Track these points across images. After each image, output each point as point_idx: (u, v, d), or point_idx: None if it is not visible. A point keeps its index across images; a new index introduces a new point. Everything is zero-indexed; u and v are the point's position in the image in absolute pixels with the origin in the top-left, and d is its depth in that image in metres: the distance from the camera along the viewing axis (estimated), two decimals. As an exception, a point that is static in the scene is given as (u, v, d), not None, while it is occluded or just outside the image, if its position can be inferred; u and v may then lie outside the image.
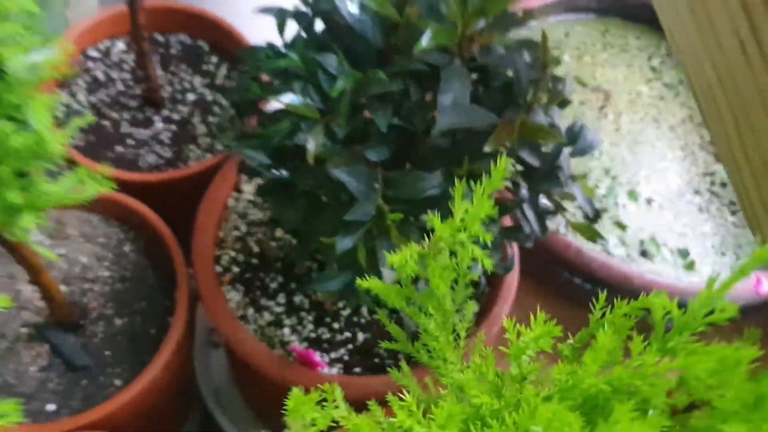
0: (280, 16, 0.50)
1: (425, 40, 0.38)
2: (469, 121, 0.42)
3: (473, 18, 0.41)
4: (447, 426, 0.20)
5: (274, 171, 0.45)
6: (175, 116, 0.79)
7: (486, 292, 0.69)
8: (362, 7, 0.43)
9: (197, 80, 0.83)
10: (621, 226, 1.03)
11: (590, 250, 0.95)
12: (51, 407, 0.62)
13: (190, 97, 0.81)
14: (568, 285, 0.99)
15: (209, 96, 0.82)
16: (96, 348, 0.65)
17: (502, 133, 0.40)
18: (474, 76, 0.47)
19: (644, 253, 1.01)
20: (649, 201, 1.07)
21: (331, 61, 0.43)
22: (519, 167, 0.51)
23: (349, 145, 0.44)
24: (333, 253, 0.43)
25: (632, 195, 1.08)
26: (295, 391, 0.28)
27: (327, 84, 0.43)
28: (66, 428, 0.58)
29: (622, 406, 0.20)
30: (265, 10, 0.51)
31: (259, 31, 0.83)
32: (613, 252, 1.01)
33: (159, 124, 0.79)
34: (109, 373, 0.64)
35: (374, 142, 0.44)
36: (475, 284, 0.49)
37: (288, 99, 0.42)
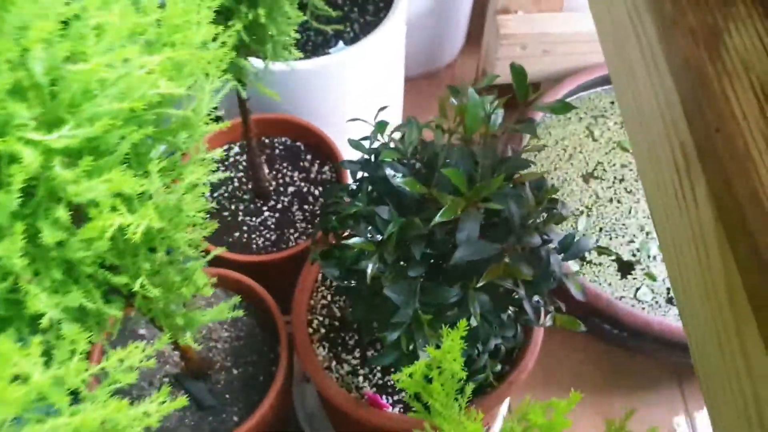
0: (352, 168, 0.72)
1: (438, 217, 0.58)
2: (477, 253, 0.62)
3: (478, 193, 0.60)
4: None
5: (344, 282, 0.67)
6: (279, 206, 1.03)
7: (517, 348, 0.88)
8: (404, 176, 0.63)
9: (296, 175, 1.06)
10: (651, 277, 1.19)
11: (618, 300, 1.12)
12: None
13: (290, 189, 1.05)
14: (598, 329, 1.16)
15: (305, 188, 1.05)
16: (219, 392, 0.89)
17: (491, 272, 0.60)
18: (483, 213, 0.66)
19: (670, 300, 1.16)
20: (679, 258, 1.21)
21: (383, 211, 0.64)
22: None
23: (395, 266, 0.65)
24: (385, 341, 0.64)
25: (666, 251, 1.22)
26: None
27: (382, 226, 0.65)
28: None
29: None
30: (345, 163, 0.72)
31: (339, 132, 1.06)
32: (642, 299, 1.16)
33: (266, 213, 1.02)
34: (229, 411, 0.87)
35: (413, 264, 0.65)
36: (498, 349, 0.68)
37: (355, 240, 0.63)
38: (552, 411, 0.45)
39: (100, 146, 0.41)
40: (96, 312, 0.48)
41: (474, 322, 0.66)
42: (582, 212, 1.27)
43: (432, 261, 0.66)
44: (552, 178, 1.31)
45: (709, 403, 0.51)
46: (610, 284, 1.18)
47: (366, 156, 0.73)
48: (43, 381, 0.33)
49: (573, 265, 1.19)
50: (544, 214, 0.72)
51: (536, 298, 0.68)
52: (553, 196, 0.72)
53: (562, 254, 0.71)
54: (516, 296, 0.67)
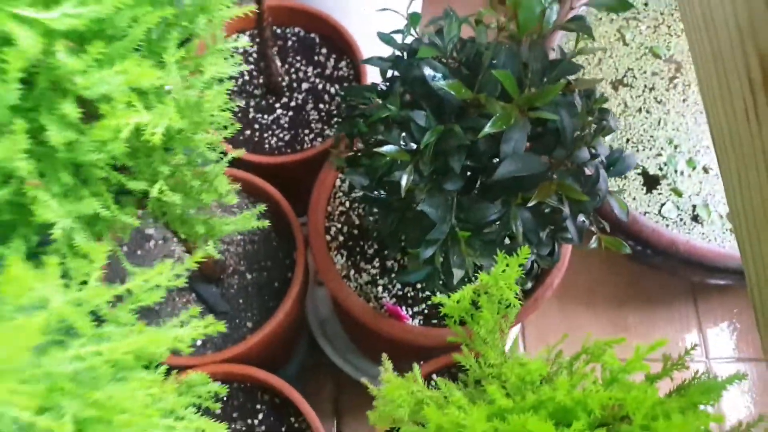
0: (382, 66, 0.64)
1: (488, 127, 0.52)
2: (524, 168, 0.56)
3: (530, 101, 0.54)
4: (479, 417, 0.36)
5: (373, 192, 0.62)
6: (292, 103, 0.96)
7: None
8: (444, 78, 0.57)
9: (310, 70, 0.98)
10: (677, 193, 1.14)
11: (644, 216, 1.07)
12: (198, 343, 0.83)
13: (304, 86, 0.97)
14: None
15: (320, 85, 0.97)
16: (232, 297, 0.85)
17: (543, 190, 0.54)
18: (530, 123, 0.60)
19: (696, 218, 1.12)
20: (706, 169, 1.16)
21: (420, 117, 0.58)
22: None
23: (432, 178, 0.60)
24: (417, 257, 0.60)
25: (690, 163, 1.17)
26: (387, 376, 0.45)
27: (418, 134, 0.58)
28: (212, 360, 0.78)
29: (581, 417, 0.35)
30: (373, 60, 0.65)
31: (359, 26, 0.97)
32: (667, 216, 1.12)
33: (279, 111, 0.95)
34: (242, 317, 0.84)
35: (451, 177, 0.59)
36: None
37: (388, 149, 0.57)
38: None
39: (109, 30, 0.35)
40: (110, 219, 0.42)
41: (519, 242, 0.61)
42: (609, 121, 1.20)
43: (470, 174, 0.61)
44: (580, 84, 1.23)
45: (764, 332, 0.47)
46: (634, 198, 1.13)
47: (398, 52, 0.66)
48: (60, 308, 0.28)
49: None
50: (594, 126, 0.65)
51: (581, 217, 0.63)
52: (604, 105, 0.66)
53: (608, 170, 0.66)
54: (559, 213, 0.62)
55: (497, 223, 0.60)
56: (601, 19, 1.30)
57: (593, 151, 0.64)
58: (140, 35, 0.35)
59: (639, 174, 1.16)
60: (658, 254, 1.09)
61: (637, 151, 1.18)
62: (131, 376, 0.32)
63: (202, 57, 0.47)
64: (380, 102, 0.62)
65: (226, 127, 0.50)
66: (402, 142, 0.59)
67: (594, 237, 0.63)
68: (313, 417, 0.76)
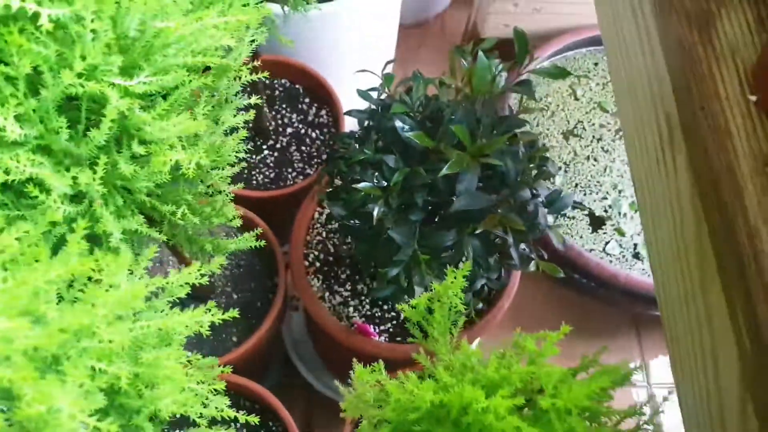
0: (360, 117, 0.77)
1: (445, 170, 0.65)
2: (474, 204, 0.69)
3: (481, 149, 0.67)
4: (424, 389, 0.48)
5: (349, 221, 0.74)
6: (278, 145, 1.08)
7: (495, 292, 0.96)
8: (411, 129, 0.70)
9: (294, 117, 1.11)
10: (620, 232, 1.28)
11: (589, 252, 1.21)
12: (188, 354, 0.92)
13: (289, 130, 1.10)
14: (570, 279, 1.26)
15: (303, 130, 1.10)
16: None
17: (487, 222, 0.67)
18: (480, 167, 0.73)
19: (636, 255, 1.26)
20: (645, 217, 1.30)
21: (390, 160, 0.71)
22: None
23: (399, 210, 0.72)
24: (385, 276, 0.72)
25: (633, 206, 1.32)
26: (358, 366, 0.57)
27: (388, 173, 0.71)
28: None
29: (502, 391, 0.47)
30: (353, 112, 0.78)
31: (338, 80, 1.10)
32: (610, 252, 1.26)
33: (266, 151, 1.08)
34: (228, 332, 0.94)
35: (415, 209, 0.72)
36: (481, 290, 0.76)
37: (363, 185, 0.70)
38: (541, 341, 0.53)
39: (167, 92, 0.47)
40: (145, 235, 0.54)
41: (469, 265, 0.74)
42: (560, 168, 1.35)
43: (431, 208, 0.73)
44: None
45: (672, 351, 0.59)
46: (581, 237, 1.27)
47: (374, 106, 0.79)
48: (127, 290, 0.39)
49: (548, 218, 1.28)
50: (535, 171, 0.79)
51: (522, 246, 0.76)
52: (544, 154, 0.80)
53: (548, 208, 0.79)
54: (505, 243, 0.74)
55: (452, 249, 0.72)
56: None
57: (534, 191, 0.77)
58: (186, 95, 0.47)
59: (586, 215, 1.30)
60: (601, 286, 1.22)
61: (585, 194, 1.33)
62: (165, 349, 0.43)
63: (221, 110, 0.59)
64: (357, 147, 0.75)
65: (233, 165, 0.62)
66: (375, 180, 0.72)
67: (533, 262, 0.75)
68: (289, 421, 0.87)
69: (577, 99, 1.43)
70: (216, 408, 0.50)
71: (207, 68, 0.55)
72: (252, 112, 0.58)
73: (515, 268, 0.81)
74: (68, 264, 0.34)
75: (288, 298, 1.07)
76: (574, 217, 1.29)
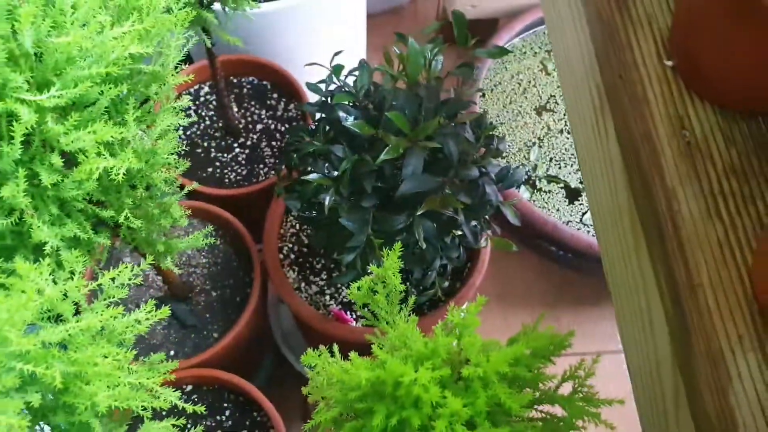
0: (311, 110, 0.79)
1: (383, 155, 0.66)
2: (421, 186, 0.71)
3: (420, 133, 0.69)
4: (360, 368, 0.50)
5: (305, 213, 0.76)
6: (248, 143, 1.10)
7: (467, 267, 0.98)
8: (355, 119, 0.71)
9: (263, 113, 1.13)
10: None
11: (565, 225, 1.22)
12: (172, 352, 0.96)
13: (259, 126, 1.12)
14: (546, 251, 1.27)
15: (272, 125, 1.12)
16: (200, 312, 0.98)
17: (430, 202, 0.69)
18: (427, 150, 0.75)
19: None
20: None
21: (338, 150, 0.72)
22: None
23: (350, 198, 0.74)
24: (343, 262, 0.74)
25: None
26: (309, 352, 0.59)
27: (337, 163, 0.73)
28: (184, 365, 0.91)
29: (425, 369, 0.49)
30: (306, 106, 0.80)
31: (303, 72, 1.12)
32: (587, 223, 1.27)
33: (237, 149, 1.10)
34: (209, 329, 0.97)
35: (365, 196, 0.73)
36: (450, 266, 0.78)
37: (313, 176, 0.71)
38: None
39: (83, 102, 0.49)
40: (87, 241, 0.56)
41: (422, 245, 0.76)
42: (534, 143, 1.36)
43: (382, 193, 0.75)
44: (507, 111, 1.39)
45: (617, 310, 0.60)
46: (558, 209, 1.28)
47: (323, 98, 0.81)
48: (53, 294, 0.41)
49: (524, 193, 1.29)
50: (483, 150, 0.80)
51: (474, 222, 0.78)
52: (492, 132, 0.81)
53: (499, 184, 0.81)
54: (456, 222, 0.76)
55: (405, 231, 0.74)
56: (525, 53, 1.46)
57: (483, 169, 0.78)
58: (105, 104, 0.49)
59: (561, 188, 1.31)
60: (578, 257, 1.23)
61: (560, 168, 1.33)
62: (102, 346, 0.46)
63: (156, 114, 0.61)
64: (308, 139, 0.77)
65: (177, 167, 0.64)
66: (326, 171, 0.73)
67: (484, 238, 0.77)
68: (272, 410, 0.89)
69: (548, 74, 1.44)
70: (165, 401, 0.52)
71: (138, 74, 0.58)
72: (182, 114, 0.59)
73: (470, 246, 0.82)
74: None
75: (266, 289, 1.09)
76: (550, 191, 1.30)
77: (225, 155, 1.09)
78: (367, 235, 0.73)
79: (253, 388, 0.90)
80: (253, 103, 1.14)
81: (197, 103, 1.14)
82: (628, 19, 0.57)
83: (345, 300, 0.99)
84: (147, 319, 0.49)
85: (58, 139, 0.45)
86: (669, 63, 0.54)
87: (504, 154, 1.33)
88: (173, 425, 0.60)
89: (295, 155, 0.78)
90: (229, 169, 1.08)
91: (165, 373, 0.56)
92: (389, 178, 0.73)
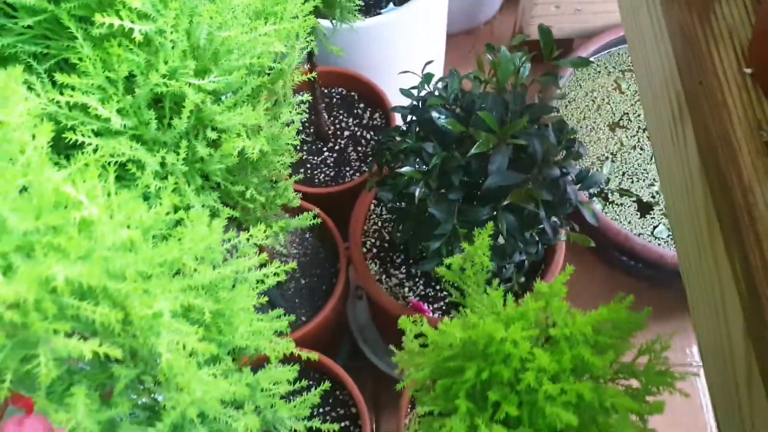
0: (403, 112, 0.87)
1: (474, 149, 0.73)
2: (505, 180, 0.77)
3: (507, 131, 0.75)
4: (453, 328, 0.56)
5: (396, 204, 0.83)
6: (336, 147, 1.19)
7: (542, 265, 1.03)
8: (446, 118, 0.79)
9: (351, 121, 1.22)
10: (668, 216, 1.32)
11: (636, 236, 1.26)
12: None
13: (346, 133, 1.21)
14: (617, 260, 1.30)
15: (358, 132, 1.21)
16: (290, 297, 1.07)
17: (516, 194, 0.75)
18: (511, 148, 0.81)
19: (689, 242, 1.29)
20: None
21: (429, 147, 0.80)
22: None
23: (438, 191, 0.81)
24: (429, 250, 0.81)
25: (685, 195, 1.35)
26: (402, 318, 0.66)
27: (427, 159, 0.80)
28: (279, 342, 1.00)
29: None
30: (397, 108, 0.88)
31: (388, 84, 1.20)
32: (658, 236, 1.30)
33: (326, 153, 1.19)
34: (298, 313, 1.05)
35: (453, 189, 0.81)
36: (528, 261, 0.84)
37: (405, 169, 0.79)
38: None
39: (230, 89, 0.58)
40: (217, 211, 0.65)
41: (502, 240, 0.82)
42: (607, 158, 1.40)
43: (468, 188, 0.82)
44: (581, 127, 1.44)
45: (691, 299, 0.65)
46: (629, 222, 1.32)
47: (414, 102, 0.88)
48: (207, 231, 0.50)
49: (597, 204, 1.33)
50: (564, 152, 0.86)
51: (554, 219, 0.84)
52: (573, 137, 0.87)
53: (579, 185, 0.86)
54: (537, 217, 0.82)
55: (488, 223, 0.80)
56: (599, 72, 1.52)
57: (564, 170, 0.84)
58: (247, 93, 0.58)
59: (633, 201, 1.35)
60: (650, 267, 1.27)
61: (632, 182, 1.37)
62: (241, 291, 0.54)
63: (278, 107, 0.70)
64: (400, 138, 0.85)
65: (292, 156, 0.73)
66: (416, 165, 0.81)
67: (563, 232, 0.83)
68: (354, 389, 0.96)
69: (622, 92, 1.48)
70: (284, 351, 0.60)
71: (267, 73, 0.67)
72: (304, 108, 0.68)
73: (549, 242, 0.88)
74: (160, 215, 0.45)
75: (349, 282, 1.17)
76: (622, 204, 1.34)
77: (315, 158, 1.19)
78: (453, 224, 0.80)
79: (338, 368, 0.97)
80: (341, 111, 1.23)
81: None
82: (710, 32, 0.62)
83: (422, 293, 1.06)
84: (275, 274, 0.57)
85: (213, 118, 0.54)
86: (748, 71, 0.59)
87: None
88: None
89: (387, 153, 0.86)
90: (319, 170, 1.17)
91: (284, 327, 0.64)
92: (475, 173, 0.80)
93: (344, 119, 1.22)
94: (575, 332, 0.53)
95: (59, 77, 0.47)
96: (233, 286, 0.55)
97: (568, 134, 0.87)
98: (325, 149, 1.19)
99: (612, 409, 0.53)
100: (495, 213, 0.80)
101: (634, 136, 1.43)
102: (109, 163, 0.51)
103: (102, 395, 0.50)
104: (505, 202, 0.74)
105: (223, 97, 0.57)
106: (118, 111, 0.51)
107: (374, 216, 1.11)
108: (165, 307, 0.40)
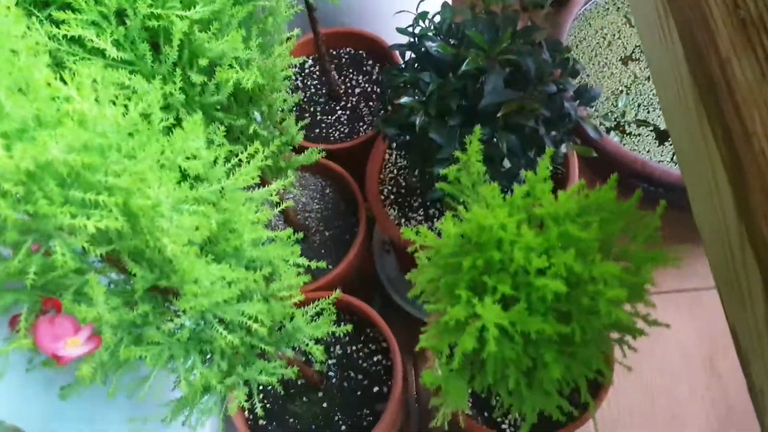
0: (401, 49, 0.90)
1: (464, 66, 0.76)
2: (500, 98, 0.80)
3: (495, 48, 0.78)
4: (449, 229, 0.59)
5: (400, 136, 0.86)
6: (349, 105, 1.23)
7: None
8: (439, 46, 0.81)
9: (361, 78, 1.25)
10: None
11: (653, 161, 1.26)
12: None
13: (357, 90, 1.24)
14: (635, 187, 1.30)
15: (369, 88, 1.24)
16: (315, 248, 1.11)
17: (508, 105, 0.77)
18: (508, 68, 0.83)
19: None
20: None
21: (425, 76, 0.83)
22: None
23: (438, 118, 0.84)
24: (434, 176, 0.84)
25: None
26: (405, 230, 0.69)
27: (425, 88, 0.83)
28: (305, 289, 1.04)
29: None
30: (395, 46, 0.91)
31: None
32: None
33: (339, 112, 1.23)
34: (324, 261, 1.09)
35: (452, 115, 0.83)
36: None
37: (404, 100, 0.82)
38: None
39: (220, 20, 0.62)
40: (221, 144, 0.69)
41: (508, 165, 0.84)
42: (621, 91, 1.40)
43: (467, 112, 0.84)
44: (593, 64, 1.44)
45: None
46: (648, 151, 1.32)
47: (411, 39, 0.91)
48: (207, 157, 0.54)
49: (614, 137, 1.34)
50: (560, 72, 0.88)
51: (554, 133, 0.85)
52: (567, 55, 0.88)
53: (578, 101, 0.88)
54: (538, 134, 0.84)
55: (490, 144, 0.83)
56: (608, 9, 1.51)
57: (561, 87, 0.86)
58: (236, 23, 0.62)
59: (651, 131, 1.35)
60: (669, 190, 1.26)
61: (648, 112, 1.37)
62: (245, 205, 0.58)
63: (272, 46, 0.74)
64: (399, 73, 0.88)
65: (292, 97, 0.76)
66: (416, 97, 0.84)
67: (566, 144, 0.84)
68: (385, 328, 1.00)
69: (632, 26, 1.47)
70: (297, 265, 0.64)
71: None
72: (293, 41, 0.72)
73: (556, 159, 0.90)
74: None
75: (372, 231, 1.21)
76: (639, 134, 1.34)
77: (329, 117, 1.22)
78: (455, 149, 0.83)
79: (367, 307, 1.01)
80: (351, 70, 1.27)
81: (303, 74, 1.28)
82: None
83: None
84: (276, 191, 0.61)
85: (203, 46, 0.58)
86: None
87: (593, 103, 1.38)
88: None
89: (389, 90, 0.89)
90: (333, 128, 1.21)
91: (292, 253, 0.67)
92: (472, 97, 0.83)
93: (354, 77, 1.26)
94: (560, 211, 0.55)
95: (56, 14, 0.52)
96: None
97: (562, 52, 0.88)
98: (338, 108, 1.23)
99: (602, 280, 0.55)
100: (495, 134, 0.82)
101: (647, 67, 1.42)
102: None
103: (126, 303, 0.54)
104: (500, 114, 0.77)
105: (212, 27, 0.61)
106: (114, 43, 0.55)
107: (389, 165, 1.14)
108: (163, 196, 0.45)
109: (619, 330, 0.64)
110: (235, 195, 0.57)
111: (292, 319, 0.67)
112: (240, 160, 0.61)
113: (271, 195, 0.62)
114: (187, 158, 0.49)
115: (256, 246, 0.58)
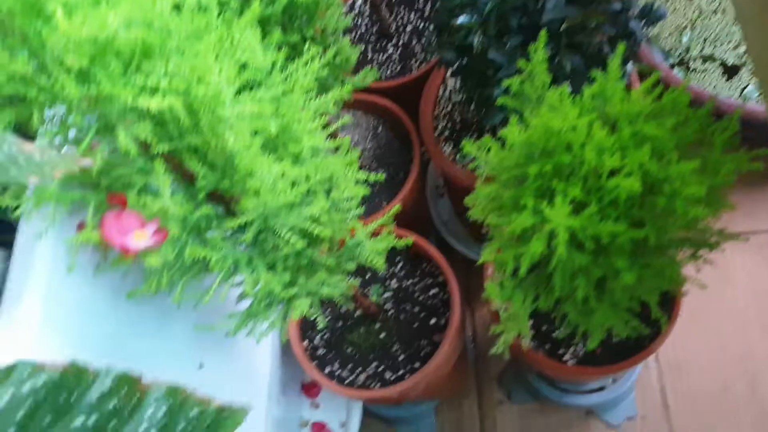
0: (455, -30, 0.87)
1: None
2: (562, 14, 0.76)
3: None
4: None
5: (458, 60, 0.84)
6: (400, 42, 1.20)
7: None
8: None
9: (412, 15, 1.22)
10: (762, 80, 1.24)
11: (726, 98, 1.20)
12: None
13: (408, 27, 1.21)
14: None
15: (420, 25, 1.21)
16: (370, 187, 1.10)
17: (571, 19, 0.74)
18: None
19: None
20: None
21: (483, -7, 0.80)
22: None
23: (497, 38, 0.81)
24: (492, 99, 0.81)
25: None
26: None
27: (482, 6, 0.80)
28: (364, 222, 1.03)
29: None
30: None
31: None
32: (748, 96, 1.23)
33: (390, 49, 1.20)
34: (378, 198, 1.08)
35: (512, 34, 0.80)
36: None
37: (462, 19, 0.79)
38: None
39: None
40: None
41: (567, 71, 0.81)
42: (686, 26, 1.33)
43: (528, 32, 0.81)
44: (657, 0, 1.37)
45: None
46: (715, 87, 1.25)
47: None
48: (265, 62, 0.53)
49: (678, 73, 1.28)
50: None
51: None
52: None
53: (644, 20, 0.83)
54: (601, 54, 0.80)
55: (552, 63, 0.79)
56: (671, -57, 1.43)
57: (625, 4, 0.82)
58: None
59: (718, 66, 1.28)
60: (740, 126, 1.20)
61: (715, 47, 1.30)
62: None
63: None
64: (455, -5, 0.85)
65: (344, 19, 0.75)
66: (473, 17, 0.81)
67: (629, 64, 0.80)
68: (441, 261, 0.98)
69: (698, -44, 1.40)
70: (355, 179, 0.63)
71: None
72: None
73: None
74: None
75: (425, 172, 1.19)
76: (705, 70, 1.27)
77: (381, 55, 1.20)
78: (516, 68, 0.80)
79: (421, 239, 0.99)
80: (402, 7, 1.24)
81: (354, 14, 1.26)
82: None
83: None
84: (335, 101, 0.60)
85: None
86: None
87: (657, 31, 1.32)
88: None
89: (445, 13, 0.86)
90: (385, 66, 1.19)
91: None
92: (533, 14, 0.79)
93: (405, 14, 1.23)
94: (633, 110, 0.52)
95: None
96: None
97: (628, -31, 0.84)
98: (389, 46, 1.21)
99: (678, 179, 0.52)
100: (557, 53, 0.79)
101: (713, 1, 1.35)
102: None
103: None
104: (563, 27, 0.73)
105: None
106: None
107: (443, 100, 1.11)
108: (224, 84, 0.44)
109: (694, 244, 0.61)
110: (293, 99, 0.56)
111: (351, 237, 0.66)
112: (297, 68, 0.60)
113: (329, 106, 0.61)
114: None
115: (316, 155, 0.57)
